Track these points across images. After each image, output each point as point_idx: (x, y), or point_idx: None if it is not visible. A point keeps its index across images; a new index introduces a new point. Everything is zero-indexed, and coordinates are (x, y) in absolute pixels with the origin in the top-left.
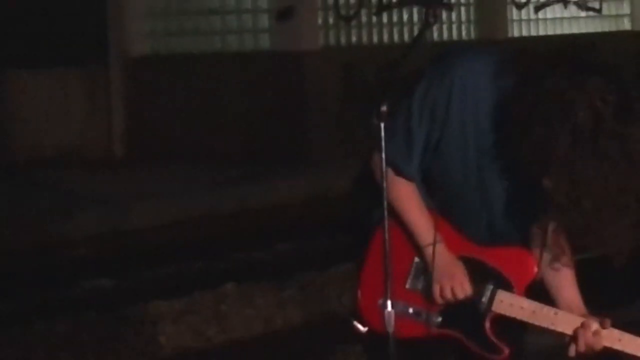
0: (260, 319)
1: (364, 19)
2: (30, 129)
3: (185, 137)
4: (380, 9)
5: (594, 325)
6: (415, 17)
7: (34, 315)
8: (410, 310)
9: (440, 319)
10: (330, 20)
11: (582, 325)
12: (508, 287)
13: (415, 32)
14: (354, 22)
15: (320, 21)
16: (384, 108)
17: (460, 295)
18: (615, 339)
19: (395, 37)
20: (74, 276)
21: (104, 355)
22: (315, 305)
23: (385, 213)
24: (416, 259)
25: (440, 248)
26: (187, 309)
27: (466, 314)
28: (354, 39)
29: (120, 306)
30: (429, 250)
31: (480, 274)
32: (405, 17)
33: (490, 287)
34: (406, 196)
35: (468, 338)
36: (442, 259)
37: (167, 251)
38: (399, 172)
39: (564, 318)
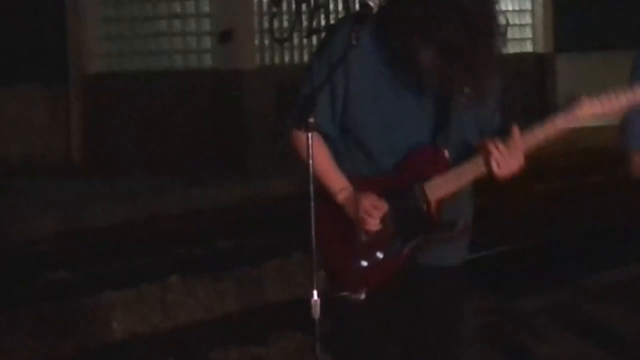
0: (201, 307)
1: (296, 41)
2: None
3: (136, 146)
4: (311, 32)
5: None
6: None
7: None
8: (379, 254)
9: (399, 242)
10: (266, 42)
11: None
12: (429, 179)
13: None
14: (287, 44)
15: (257, 43)
16: (311, 120)
17: (380, 211)
18: (530, 137)
19: None
20: (35, 270)
21: (62, 339)
22: (250, 296)
23: (312, 204)
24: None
25: (347, 192)
26: (137, 298)
27: (414, 223)
28: (287, 59)
29: (77, 296)
30: (340, 196)
31: (405, 189)
32: None
33: (416, 185)
34: (317, 153)
35: (428, 234)
36: (350, 199)
37: (119, 247)
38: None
39: (478, 158)
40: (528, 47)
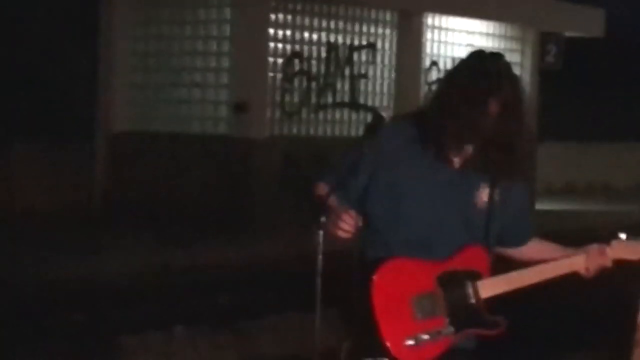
0: (200, 358)
1: (304, 115)
2: (28, 191)
3: (152, 201)
4: (318, 108)
5: (596, 247)
6: (346, 116)
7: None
8: (426, 337)
9: (452, 328)
10: (277, 115)
11: (587, 251)
12: (479, 277)
13: (348, 129)
14: (295, 117)
15: (268, 115)
16: (323, 219)
17: (352, 218)
18: (623, 247)
19: (328, 132)
20: (51, 311)
21: None
22: (247, 349)
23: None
24: (414, 296)
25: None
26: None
27: (467, 313)
28: (294, 131)
29: (89, 339)
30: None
31: (455, 278)
32: (337, 115)
33: (469, 283)
34: None
35: (477, 328)
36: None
37: (130, 296)
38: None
39: (556, 264)
40: None
